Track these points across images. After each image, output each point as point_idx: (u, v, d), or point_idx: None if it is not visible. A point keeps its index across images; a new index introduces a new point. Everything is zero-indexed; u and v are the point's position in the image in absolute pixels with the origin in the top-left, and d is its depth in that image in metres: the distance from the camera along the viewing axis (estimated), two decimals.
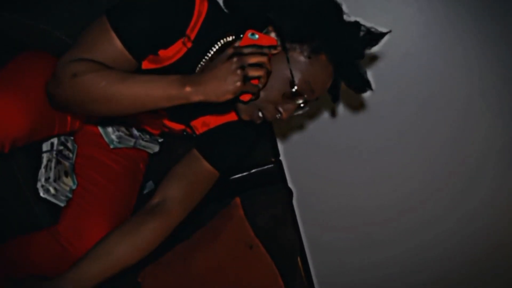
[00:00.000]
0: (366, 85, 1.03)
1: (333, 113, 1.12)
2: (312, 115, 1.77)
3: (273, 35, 0.96)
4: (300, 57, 0.96)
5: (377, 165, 1.81)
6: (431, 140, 1.77)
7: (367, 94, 1.10)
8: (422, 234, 1.87)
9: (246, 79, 0.87)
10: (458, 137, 1.76)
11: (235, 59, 0.86)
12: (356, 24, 0.98)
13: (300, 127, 1.80)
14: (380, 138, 1.78)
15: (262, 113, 1.00)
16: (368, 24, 1.00)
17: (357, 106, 1.74)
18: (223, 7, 1.05)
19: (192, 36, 0.98)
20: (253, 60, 0.86)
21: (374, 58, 1.62)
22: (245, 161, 1.28)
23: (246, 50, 0.87)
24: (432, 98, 1.71)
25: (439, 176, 1.81)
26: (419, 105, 1.73)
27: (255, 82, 0.90)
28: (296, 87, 0.96)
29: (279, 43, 0.96)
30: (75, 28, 1.05)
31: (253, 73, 0.86)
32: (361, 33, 0.98)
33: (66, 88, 0.88)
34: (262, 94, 0.96)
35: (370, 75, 1.05)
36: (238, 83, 0.85)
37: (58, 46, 1.08)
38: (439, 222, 1.86)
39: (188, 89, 0.86)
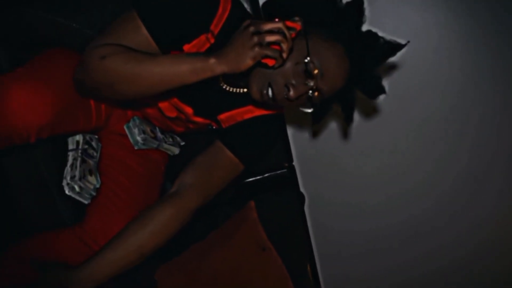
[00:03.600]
0: (380, 90, 1.03)
1: (348, 118, 1.11)
2: (325, 120, 1.79)
3: (298, 23, 0.96)
4: (318, 39, 0.97)
5: (390, 171, 1.82)
6: (449, 145, 1.79)
7: (380, 99, 1.11)
8: (436, 240, 1.89)
9: (264, 44, 0.88)
10: (476, 140, 1.78)
11: (251, 28, 0.88)
12: (375, 33, 1.01)
13: (314, 132, 1.82)
14: (393, 144, 1.81)
15: (272, 89, 0.99)
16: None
17: (370, 111, 1.77)
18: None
19: (216, 32, 1.01)
20: (268, 26, 0.87)
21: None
22: (266, 158, 1.30)
23: (260, 21, 0.89)
24: (449, 101, 1.74)
25: (458, 181, 1.82)
26: (433, 110, 1.75)
27: (277, 48, 0.90)
28: (308, 58, 0.95)
29: (302, 26, 0.96)
30: (104, 26, 1.07)
31: (269, 38, 0.87)
32: (381, 40, 1.00)
33: (95, 71, 0.91)
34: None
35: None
36: (256, 48, 0.87)
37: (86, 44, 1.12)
38: (454, 227, 1.87)
39: (212, 60, 0.89)
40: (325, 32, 0.98)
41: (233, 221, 1.55)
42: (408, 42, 1.02)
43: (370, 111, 1.76)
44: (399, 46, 1.01)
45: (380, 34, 1.01)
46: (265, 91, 0.99)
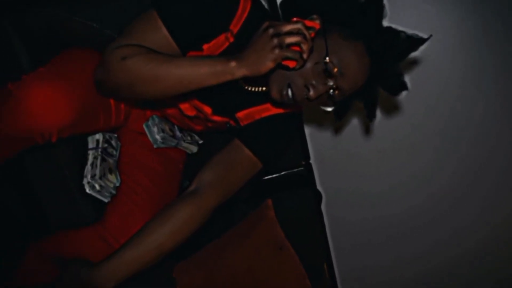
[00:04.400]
0: (402, 87, 1.02)
1: (370, 115, 1.10)
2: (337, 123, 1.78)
3: (317, 22, 0.96)
4: (337, 37, 0.97)
5: (410, 170, 1.80)
6: (470, 148, 1.76)
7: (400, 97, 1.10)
8: (459, 245, 1.88)
9: (284, 46, 0.88)
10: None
11: (270, 30, 0.88)
12: (396, 29, 1.00)
13: (331, 130, 1.81)
14: (411, 142, 1.78)
15: (291, 90, 0.98)
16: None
17: (390, 110, 1.75)
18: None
19: (235, 31, 1.01)
20: (288, 28, 0.87)
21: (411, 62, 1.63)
22: (284, 156, 1.29)
23: (279, 22, 0.89)
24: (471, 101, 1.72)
25: (482, 184, 1.80)
26: (454, 108, 1.73)
27: (297, 49, 0.90)
28: (328, 58, 0.95)
29: (321, 26, 0.96)
30: (124, 27, 1.08)
31: (289, 39, 0.87)
32: (402, 35, 0.99)
33: (115, 72, 0.92)
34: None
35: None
36: (276, 50, 0.87)
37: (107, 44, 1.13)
38: (477, 232, 1.86)
39: (232, 63, 0.89)
40: (344, 29, 0.98)
41: (250, 219, 1.55)
42: (431, 36, 1.00)
43: (388, 109, 1.74)
44: (421, 41, 0.99)
45: (400, 29, 1.00)
46: (285, 92, 0.99)
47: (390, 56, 1.00)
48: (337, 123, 1.78)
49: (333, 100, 1.00)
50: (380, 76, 1.02)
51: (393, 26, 1.00)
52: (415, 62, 1.64)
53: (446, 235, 1.89)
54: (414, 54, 1.02)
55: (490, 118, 1.73)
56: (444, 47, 1.64)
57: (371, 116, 1.08)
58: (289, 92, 0.99)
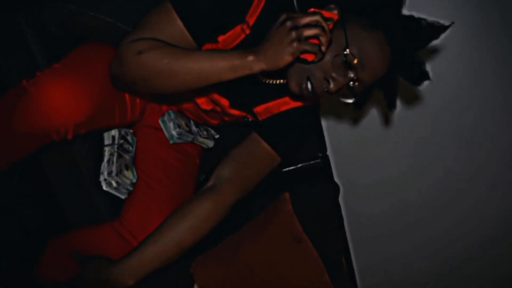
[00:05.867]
0: (424, 76, 0.99)
1: (391, 105, 1.08)
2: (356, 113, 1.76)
3: (335, 12, 0.94)
4: (356, 28, 0.94)
5: (428, 161, 1.78)
6: (489, 137, 1.74)
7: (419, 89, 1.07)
8: (482, 238, 1.86)
9: (302, 39, 0.86)
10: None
11: (288, 23, 0.86)
12: (416, 17, 0.97)
13: (348, 122, 1.79)
14: (429, 133, 1.75)
15: (311, 83, 0.96)
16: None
17: (408, 101, 1.72)
18: None
19: (251, 22, 0.99)
20: (306, 20, 0.85)
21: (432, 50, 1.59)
22: (302, 149, 1.28)
23: (297, 14, 0.87)
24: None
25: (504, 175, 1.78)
26: (471, 99, 1.69)
27: (315, 42, 0.88)
28: (348, 50, 0.93)
29: (339, 16, 0.94)
30: (138, 20, 1.06)
31: (308, 32, 0.85)
32: (423, 23, 0.96)
33: (131, 66, 0.91)
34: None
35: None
36: (295, 44, 0.85)
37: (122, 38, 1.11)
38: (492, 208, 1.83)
39: (250, 58, 0.88)
40: (363, 19, 0.95)
41: (267, 212, 1.54)
42: (452, 23, 0.97)
43: (406, 100, 1.71)
44: (442, 28, 0.96)
45: (422, 16, 0.97)
46: (304, 85, 0.97)
47: (411, 45, 0.97)
48: (355, 114, 1.76)
49: (353, 92, 0.98)
50: (401, 66, 0.99)
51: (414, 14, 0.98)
52: (437, 50, 1.60)
53: (467, 225, 1.87)
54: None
55: None
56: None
57: (391, 106, 1.05)
58: (309, 85, 0.97)
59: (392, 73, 1.00)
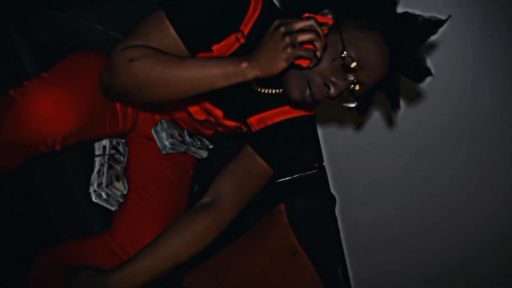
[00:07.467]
0: (426, 73, 0.98)
1: (394, 105, 1.06)
2: (358, 119, 1.74)
3: (329, 16, 0.93)
4: (352, 30, 0.93)
5: (426, 172, 1.76)
6: (488, 144, 1.71)
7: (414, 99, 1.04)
8: (476, 241, 1.83)
9: (297, 44, 0.84)
10: None
11: (281, 28, 0.84)
12: (412, 13, 0.96)
13: (345, 131, 1.77)
14: (427, 143, 1.73)
15: (311, 90, 0.95)
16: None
17: (405, 111, 1.70)
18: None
19: (246, 32, 0.97)
20: (300, 25, 0.84)
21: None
22: (298, 161, 1.25)
23: (291, 20, 0.85)
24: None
25: (498, 189, 1.76)
26: (471, 108, 1.67)
27: (310, 47, 0.87)
28: (345, 53, 0.91)
29: (334, 20, 0.93)
30: (130, 29, 1.05)
31: (302, 37, 0.83)
32: (419, 19, 0.95)
33: (123, 75, 0.89)
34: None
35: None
36: (289, 49, 0.84)
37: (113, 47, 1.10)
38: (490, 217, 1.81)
39: (244, 64, 0.86)
40: (358, 21, 0.94)
41: (263, 225, 1.53)
42: (450, 16, 0.96)
43: (402, 110, 1.69)
44: (440, 23, 0.95)
45: (417, 13, 0.95)
46: (307, 93, 0.96)
47: (409, 42, 0.96)
48: (351, 124, 1.74)
49: (355, 96, 0.97)
50: (401, 64, 0.98)
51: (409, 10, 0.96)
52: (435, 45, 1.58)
53: (463, 233, 1.84)
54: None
55: None
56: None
57: (395, 106, 1.04)
58: (309, 92, 0.95)
59: (393, 73, 0.99)
